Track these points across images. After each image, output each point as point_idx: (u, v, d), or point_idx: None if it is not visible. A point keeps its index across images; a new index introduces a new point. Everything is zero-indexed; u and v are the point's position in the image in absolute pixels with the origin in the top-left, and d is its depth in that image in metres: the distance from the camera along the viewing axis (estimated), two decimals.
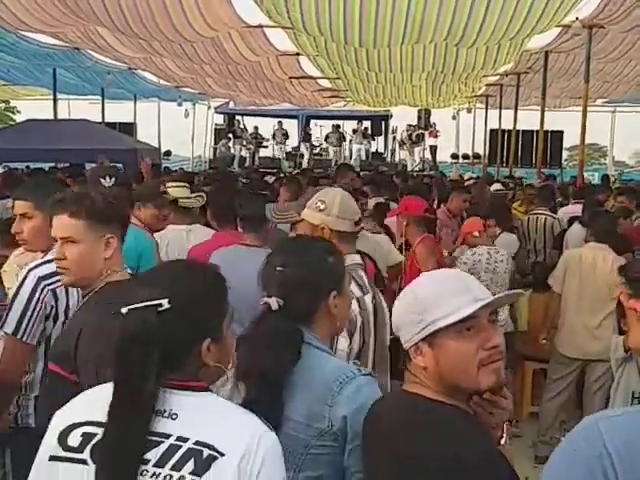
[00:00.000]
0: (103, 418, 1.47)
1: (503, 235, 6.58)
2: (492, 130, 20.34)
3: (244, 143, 24.25)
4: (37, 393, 2.69)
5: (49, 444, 1.51)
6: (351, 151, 23.99)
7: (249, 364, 1.81)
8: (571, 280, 5.20)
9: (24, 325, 2.59)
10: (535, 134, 17.35)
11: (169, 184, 4.87)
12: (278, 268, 1.91)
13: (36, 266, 2.67)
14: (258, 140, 24.50)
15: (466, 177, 16.17)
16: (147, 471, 1.41)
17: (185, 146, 26.73)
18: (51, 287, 2.63)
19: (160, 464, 1.42)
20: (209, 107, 25.51)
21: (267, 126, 25.16)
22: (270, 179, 11.36)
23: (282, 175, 13.55)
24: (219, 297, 1.59)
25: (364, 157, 23.76)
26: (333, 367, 1.86)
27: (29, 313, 2.60)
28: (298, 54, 14.45)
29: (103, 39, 12.29)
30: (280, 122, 24.61)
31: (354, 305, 2.43)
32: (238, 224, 4.06)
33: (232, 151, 24.02)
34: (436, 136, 24.63)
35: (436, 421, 1.65)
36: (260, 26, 11.95)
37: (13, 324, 2.61)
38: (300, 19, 10.00)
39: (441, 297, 1.65)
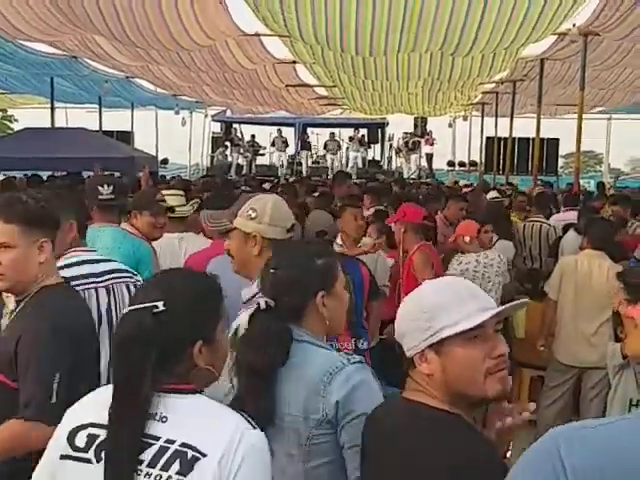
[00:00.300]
0: (105, 420, 1.56)
1: (500, 242, 6.60)
2: (488, 138, 20.39)
3: (241, 151, 24.29)
4: None
5: (59, 443, 1.61)
6: (348, 159, 24.03)
7: (240, 361, 1.91)
8: (567, 287, 5.20)
9: None
10: (531, 142, 17.41)
11: (165, 192, 4.88)
12: (271, 270, 2.03)
13: None
14: (255, 148, 24.55)
15: (462, 184, 16.19)
16: (141, 471, 1.51)
17: (182, 154, 26.77)
18: None
19: (152, 465, 1.51)
20: (206, 115, 25.55)
21: (264, 134, 25.22)
22: (268, 187, 11.40)
23: (276, 182, 13.57)
24: (213, 301, 1.67)
25: (360, 165, 23.81)
26: (323, 360, 1.94)
27: None
28: (295, 62, 14.49)
29: (100, 47, 12.32)
30: (280, 130, 24.69)
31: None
32: None
33: (229, 159, 24.06)
34: (432, 144, 24.68)
35: (440, 428, 1.65)
36: (257, 34, 11.99)
37: None
38: (297, 27, 10.04)
39: (450, 304, 1.66)
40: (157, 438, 1.52)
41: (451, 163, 26.07)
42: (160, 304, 1.56)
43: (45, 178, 12.19)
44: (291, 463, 1.89)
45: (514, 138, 18.05)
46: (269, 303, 1.94)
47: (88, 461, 1.55)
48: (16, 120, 32.80)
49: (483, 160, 20.65)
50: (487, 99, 19.86)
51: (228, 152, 24.16)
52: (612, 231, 5.55)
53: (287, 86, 17.59)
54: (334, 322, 2.07)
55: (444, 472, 1.57)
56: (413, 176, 23.08)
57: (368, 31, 10.08)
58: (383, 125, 24.90)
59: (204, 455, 1.49)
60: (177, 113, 22.45)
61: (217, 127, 25.52)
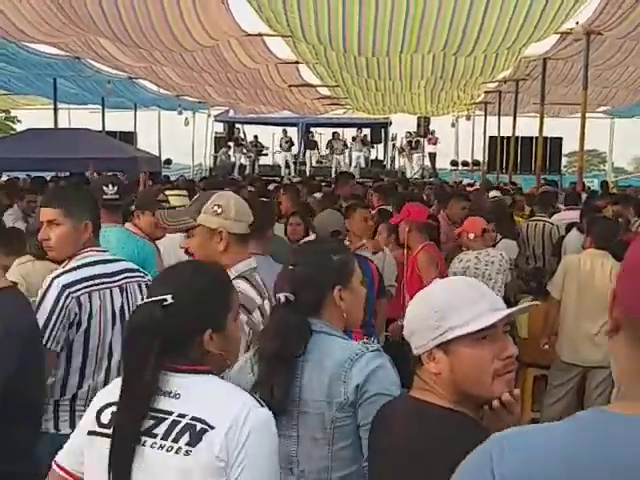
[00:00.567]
0: None
1: (503, 240, 6.60)
2: (491, 137, 20.40)
3: (244, 151, 24.31)
4: (57, 397, 2.74)
5: (89, 419, 1.74)
6: (350, 158, 24.02)
7: (261, 350, 2.07)
8: (570, 286, 5.20)
9: (48, 332, 2.65)
10: (534, 141, 17.40)
11: (168, 192, 4.90)
12: (290, 267, 2.16)
13: (59, 274, 2.73)
14: (258, 148, 24.56)
15: (465, 183, 16.18)
16: (155, 443, 1.63)
17: (185, 154, 26.78)
18: (75, 295, 2.70)
19: (165, 437, 1.63)
20: (209, 115, 25.59)
21: (267, 134, 25.24)
22: (272, 187, 11.41)
23: (279, 182, 13.57)
24: (222, 292, 1.77)
25: (363, 164, 23.78)
26: (343, 349, 2.06)
27: (53, 320, 2.66)
28: (297, 62, 14.51)
29: (103, 48, 12.34)
30: (285, 130, 24.71)
31: (256, 315, 2.52)
32: None
33: (232, 159, 24.07)
34: (435, 143, 24.68)
35: (449, 430, 1.65)
36: (260, 34, 12.01)
37: None
38: (299, 27, 10.05)
39: (460, 304, 1.66)
40: (170, 413, 1.64)
41: (454, 162, 26.03)
42: (169, 297, 1.66)
43: (48, 179, 12.21)
44: (316, 447, 2.01)
45: (517, 137, 18.04)
46: (289, 297, 2.08)
47: (109, 436, 1.67)
48: (19, 121, 32.92)
49: (486, 159, 20.66)
50: (490, 98, 19.85)
51: (231, 152, 24.17)
52: (615, 230, 5.54)
53: (290, 86, 17.60)
54: (351, 316, 2.17)
55: (450, 471, 1.57)
56: (416, 176, 23.08)
57: (371, 32, 10.10)
58: (386, 125, 24.86)
59: (212, 427, 1.59)
60: (180, 113, 22.50)
61: (220, 127, 25.53)
